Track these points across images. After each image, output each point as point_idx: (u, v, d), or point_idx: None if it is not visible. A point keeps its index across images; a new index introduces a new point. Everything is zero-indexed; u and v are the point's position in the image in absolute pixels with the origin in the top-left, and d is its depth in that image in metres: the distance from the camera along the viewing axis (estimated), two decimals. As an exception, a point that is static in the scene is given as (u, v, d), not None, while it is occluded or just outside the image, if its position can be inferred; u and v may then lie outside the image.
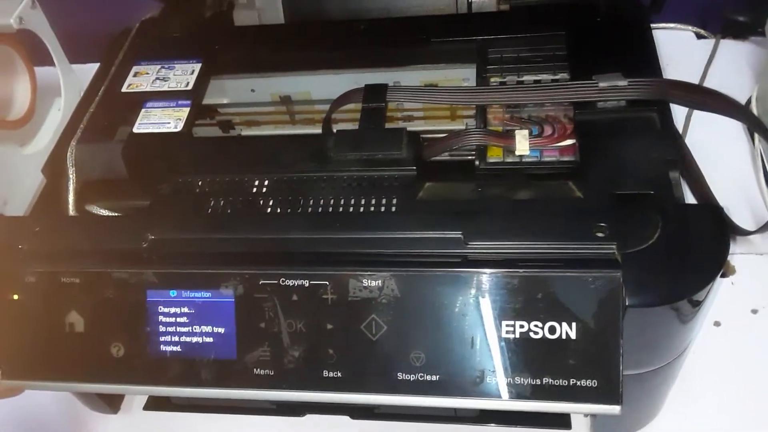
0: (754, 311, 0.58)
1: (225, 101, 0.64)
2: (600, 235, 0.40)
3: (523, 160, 0.50)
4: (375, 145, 0.50)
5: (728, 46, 0.76)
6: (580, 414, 0.51)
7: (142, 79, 0.59)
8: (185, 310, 0.42)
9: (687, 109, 0.68)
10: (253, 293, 0.41)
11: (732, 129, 0.69)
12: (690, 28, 0.79)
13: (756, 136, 0.67)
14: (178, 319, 0.42)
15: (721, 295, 0.58)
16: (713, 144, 0.65)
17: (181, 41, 0.63)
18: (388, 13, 0.64)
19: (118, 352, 0.43)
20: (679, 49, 0.76)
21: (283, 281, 0.41)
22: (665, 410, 0.52)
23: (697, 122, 0.67)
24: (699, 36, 0.79)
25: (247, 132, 0.64)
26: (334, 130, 0.53)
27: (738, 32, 0.77)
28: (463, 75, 0.60)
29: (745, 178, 0.66)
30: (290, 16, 0.66)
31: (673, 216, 0.41)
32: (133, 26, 0.66)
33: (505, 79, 0.57)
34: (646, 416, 0.51)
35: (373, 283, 0.40)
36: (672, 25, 0.78)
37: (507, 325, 0.39)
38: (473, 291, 0.40)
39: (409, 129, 0.51)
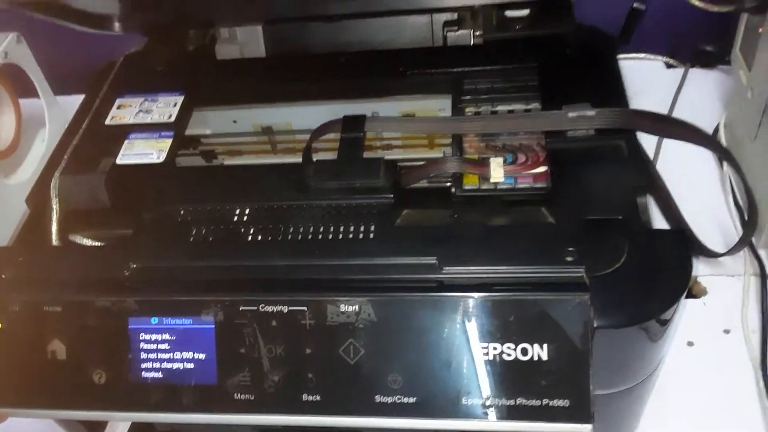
0: (726, 331, 0.59)
1: (207, 132, 0.65)
2: (569, 259, 0.41)
3: (498, 187, 0.52)
4: (353, 174, 0.51)
5: (697, 74, 0.79)
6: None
7: (125, 111, 0.61)
8: (166, 336, 0.43)
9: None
10: (233, 319, 0.42)
11: (702, 154, 0.71)
12: (660, 57, 0.82)
13: (725, 162, 0.69)
14: (160, 346, 0.43)
15: (693, 315, 0.60)
16: (684, 169, 0.67)
17: (164, 74, 0.64)
18: (367, 46, 0.66)
19: (99, 378, 0.44)
20: (650, 78, 0.78)
21: (262, 307, 0.42)
22: (640, 429, 0.53)
23: (669, 148, 0.69)
24: (669, 65, 0.81)
25: (229, 162, 0.65)
26: (314, 159, 0.55)
27: (706, 61, 0.79)
28: (440, 105, 0.62)
29: (716, 202, 0.68)
30: (271, 50, 0.67)
31: (640, 240, 0.43)
32: (118, 60, 0.68)
33: (479, 110, 0.59)
34: (621, 436, 0.52)
35: (350, 308, 0.41)
36: (642, 54, 0.81)
37: (481, 347, 0.40)
38: (448, 315, 0.41)
39: (387, 158, 0.52)
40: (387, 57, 0.64)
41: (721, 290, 0.62)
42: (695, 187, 0.67)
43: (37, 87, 0.78)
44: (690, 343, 0.59)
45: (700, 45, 0.79)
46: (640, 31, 0.69)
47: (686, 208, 0.60)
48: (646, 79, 0.77)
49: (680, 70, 0.80)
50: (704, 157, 0.71)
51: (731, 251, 0.57)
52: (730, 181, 0.68)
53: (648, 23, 0.70)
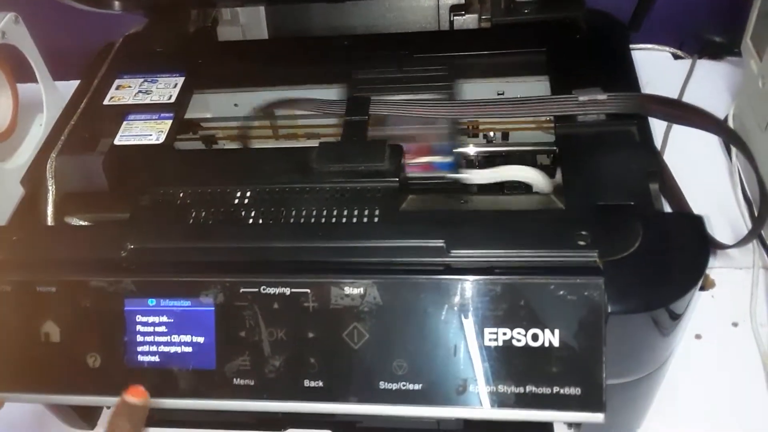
0: (735, 324, 0.58)
1: (208, 115, 0.64)
2: (582, 243, 0.40)
3: (505, 173, 0.51)
4: (357, 157, 0.50)
5: (705, 66, 0.78)
6: (564, 425, 0.51)
7: (124, 92, 0.59)
8: (164, 319, 0.42)
9: (665, 125, 0.69)
10: (234, 301, 0.41)
11: (710, 145, 0.70)
12: (667, 48, 0.81)
13: (733, 152, 0.68)
14: (157, 329, 0.42)
15: (701, 308, 0.58)
16: (692, 160, 0.66)
17: (164, 55, 0.63)
18: (371, 29, 0.65)
19: (94, 362, 0.42)
20: (657, 69, 0.77)
21: (264, 289, 0.41)
22: (647, 422, 0.52)
23: (676, 138, 0.68)
24: (676, 56, 0.80)
25: (230, 146, 0.64)
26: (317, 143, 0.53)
27: (714, 53, 0.78)
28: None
29: (723, 194, 0.67)
30: (274, 32, 0.66)
31: (654, 225, 0.42)
32: (117, 41, 0.66)
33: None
34: (629, 427, 0.50)
35: (355, 291, 0.40)
36: (650, 45, 0.80)
37: (490, 333, 0.39)
38: (456, 299, 0.40)
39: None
40: (392, 40, 0.63)
41: (729, 283, 0.61)
42: (703, 179, 0.66)
43: (35, 70, 0.76)
44: (698, 336, 0.58)
45: (708, 35, 0.78)
46: (648, 22, 0.68)
47: (694, 199, 0.59)
48: (654, 71, 0.75)
49: (688, 62, 0.79)
50: (712, 148, 0.70)
51: (740, 243, 0.55)
52: (739, 173, 0.67)
53: (656, 14, 0.69)
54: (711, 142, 0.71)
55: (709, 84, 0.76)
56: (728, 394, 0.54)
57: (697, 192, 0.60)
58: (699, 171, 0.66)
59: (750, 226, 0.63)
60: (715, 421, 0.52)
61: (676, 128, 0.69)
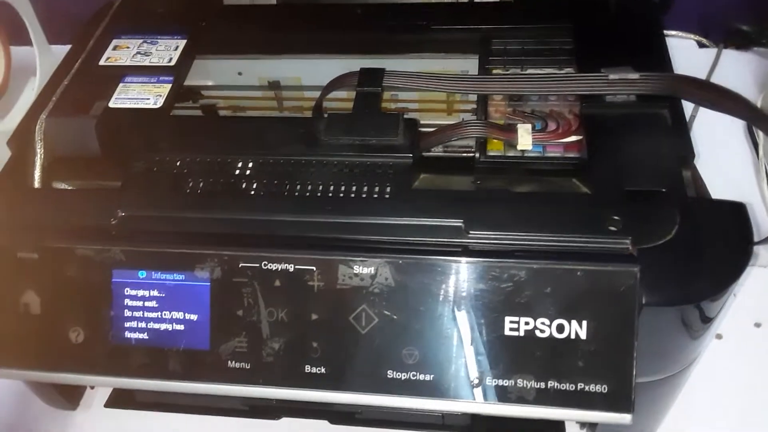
0: (758, 325, 0.56)
1: (210, 83, 0.61)
2: (613, 228, 0.37)
3: (525, 155, 0.47)
4: (369, 130, 0.47)
5: (731, 55, 0.75)
6: (576, 424, 0.48)
7: (122, 53, 0.56)
8: (155, 293, 0.39)
9: (689, 115, 0.66)
10: (232, 277, 0.38)
11: (735, 137, 0.68)
12: (692, 36, 0.77)
13: (761, 146, 0.65)
14: (147, 303, 0.39)
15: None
16: (716, 152, 0.63)
17: (166, 16, 0.60)
18: (387, -2, 0.61)
19: (77, 337, 0.39)
20: (681, 57, 0.73)
21: (265, 265, 0.38)
22: (665, 424, 0.49)
23: (700, 129, 0.65)
24: (701, 45, 0.77)
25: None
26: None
27: (741, 42, 0.75)
28: (465, 66, 0.57)
29: (748, 189, 0.64)
30: (282, -3, 0.63)
31: (692, 212, 0.39)
32: (116, 1, 0.63)
33: (508, 72, 0.54)
34: (646, 430, 0.48)
35: (365, 270, 0.37)
36: (674, 32, 0.77)
37: (511, 322, 0.36)
38: (474, 283, 0.37)
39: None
40: (409, 10, 0.59)
41: (752, 281, 0.58)
42: (727, 172, 0.63)
43: (29, 31, 0.73)
44: (719, 336, 0.55)
45: (735, 23, 0.75)
46: (673, 8, 0.64)
47: (717, 192, 0.56)
48: (678, 58, 0.71)
49: (713, 51, 0.76)
50: (738, 140, 0.68)
51: (766, 240, 0.53)
52: (765, 168, 0.64)
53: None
54: (737, 134, 0.68)
55: (735, 74, 0.73)
56: (749, 396, 0.51)
57: (720, 185, 0.57)
58: (723, 164, 0.63)
59: (776, 223, 0.60)
60: (734, 424, 0.50)
61: (700, 118, 0.66)
